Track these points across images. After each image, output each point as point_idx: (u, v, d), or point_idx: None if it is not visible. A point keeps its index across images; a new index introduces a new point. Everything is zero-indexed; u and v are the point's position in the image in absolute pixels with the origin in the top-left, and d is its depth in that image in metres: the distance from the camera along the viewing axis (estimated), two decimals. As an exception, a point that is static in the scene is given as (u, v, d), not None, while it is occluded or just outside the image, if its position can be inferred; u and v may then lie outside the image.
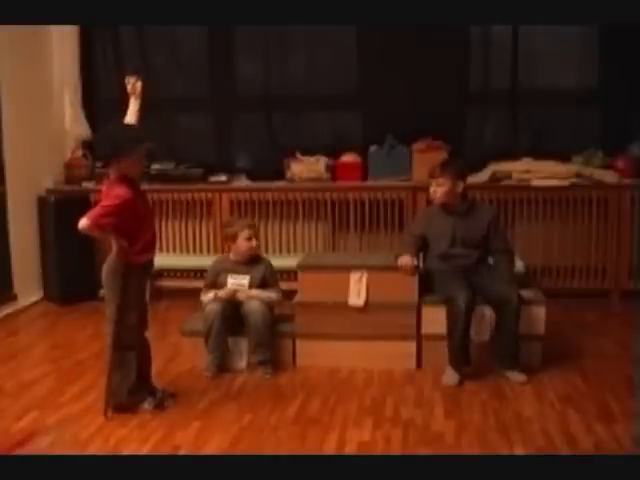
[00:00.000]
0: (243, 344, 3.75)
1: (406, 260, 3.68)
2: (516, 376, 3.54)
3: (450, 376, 3.55)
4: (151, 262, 3.33)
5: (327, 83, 5.44)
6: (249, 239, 3.77)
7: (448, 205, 3.74)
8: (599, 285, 5.01)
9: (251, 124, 5.60)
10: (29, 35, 5.13)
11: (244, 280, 3.76)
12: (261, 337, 3.68)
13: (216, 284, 3.82)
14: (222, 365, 3.71)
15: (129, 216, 3.07)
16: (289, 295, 3.93)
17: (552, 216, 4.99)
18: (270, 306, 3.78)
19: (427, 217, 3.92)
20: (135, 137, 3.13)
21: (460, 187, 3.71)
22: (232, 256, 3.83)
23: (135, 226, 3.13)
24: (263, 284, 3.80)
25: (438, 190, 3.70)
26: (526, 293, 3.78)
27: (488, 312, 3.62)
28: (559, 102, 5.26)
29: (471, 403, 3.30)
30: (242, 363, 3.77)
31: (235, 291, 3.73)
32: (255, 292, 3.74)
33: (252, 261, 3.83)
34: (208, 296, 3.77)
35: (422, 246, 3.82)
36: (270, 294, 3.77)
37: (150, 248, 3.25)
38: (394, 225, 5.09)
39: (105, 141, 3.14)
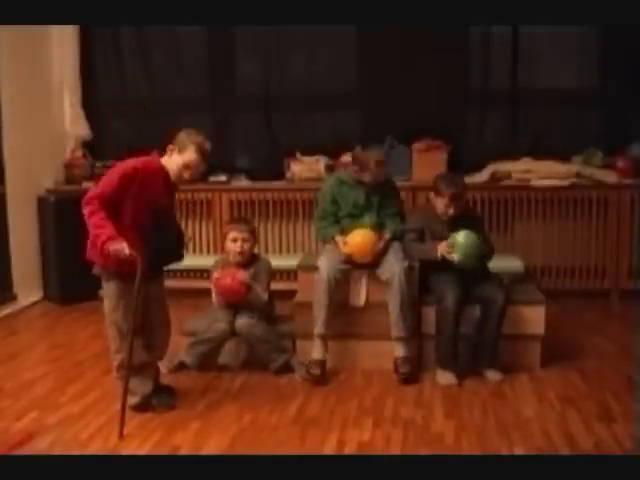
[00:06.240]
0: (239, 345, 3.74)
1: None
2: (493, 375, 3.56)
3: (443, 376, 3.55)
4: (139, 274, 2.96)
5: (327, 83, 5.43)
6: (234, 241, 3.74)
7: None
8: (599, 285, 5.00)
9: (251, 124, 5.59)
10: (29, 35, 5.12)
11: None
12: (268, 345, 3.65)
13: None
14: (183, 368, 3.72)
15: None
16: (289, 295, 3.92)
17: (552, 216, 4.99)
18: (262, 314, 3.73)
19: (425, 218, 3.81)
20: None
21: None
22: (231, 258, 3.78)
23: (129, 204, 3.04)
24: None
25: (454, 205, 3.62)
26: (526, 293, 3.78)
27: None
28: (559, 102, 5.25)
29: (471, 403, 3.30)
30: (235, 363, 3.76)
31: None
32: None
33: (249, 261, 3.79)
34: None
35: (419, 239, 3.77)
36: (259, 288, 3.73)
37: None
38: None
39: None
